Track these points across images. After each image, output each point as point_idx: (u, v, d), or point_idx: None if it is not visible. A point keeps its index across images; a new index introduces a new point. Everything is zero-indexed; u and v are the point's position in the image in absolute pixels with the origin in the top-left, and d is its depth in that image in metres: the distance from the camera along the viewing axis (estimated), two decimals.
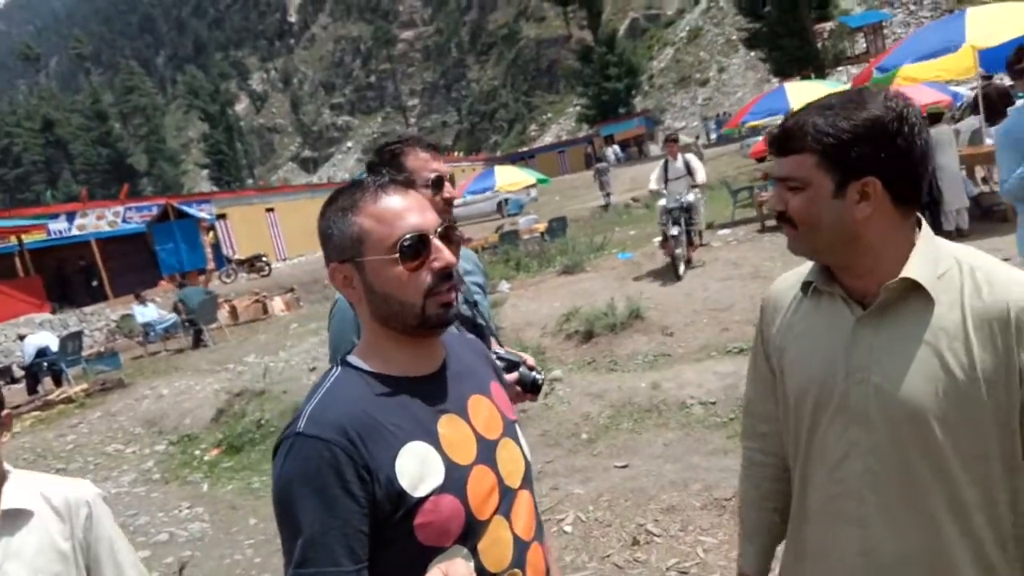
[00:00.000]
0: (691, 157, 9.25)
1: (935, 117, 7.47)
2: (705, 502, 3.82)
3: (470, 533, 1.07)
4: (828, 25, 35.70)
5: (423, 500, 1.03)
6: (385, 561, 1.03)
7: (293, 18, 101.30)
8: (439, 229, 1.11)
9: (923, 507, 1.14)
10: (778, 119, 11.88)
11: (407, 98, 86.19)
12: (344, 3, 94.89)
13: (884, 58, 8.19)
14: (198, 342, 13.01)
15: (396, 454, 1.03)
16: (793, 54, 34.45)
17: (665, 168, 9.20)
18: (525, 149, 60.27)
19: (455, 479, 1.07)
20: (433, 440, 1.08)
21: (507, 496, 1.14)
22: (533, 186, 21.09)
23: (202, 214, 24.28)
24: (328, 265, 1.14)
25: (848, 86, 9.37)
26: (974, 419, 1.09)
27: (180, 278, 19.27)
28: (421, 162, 1.90)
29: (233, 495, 5.46)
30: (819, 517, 1.26)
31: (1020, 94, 4.83)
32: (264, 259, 22.14)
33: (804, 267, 1.31)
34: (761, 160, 20.00)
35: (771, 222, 10.40)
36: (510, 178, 14.61)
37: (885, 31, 37.10)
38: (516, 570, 1.13)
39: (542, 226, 16.96)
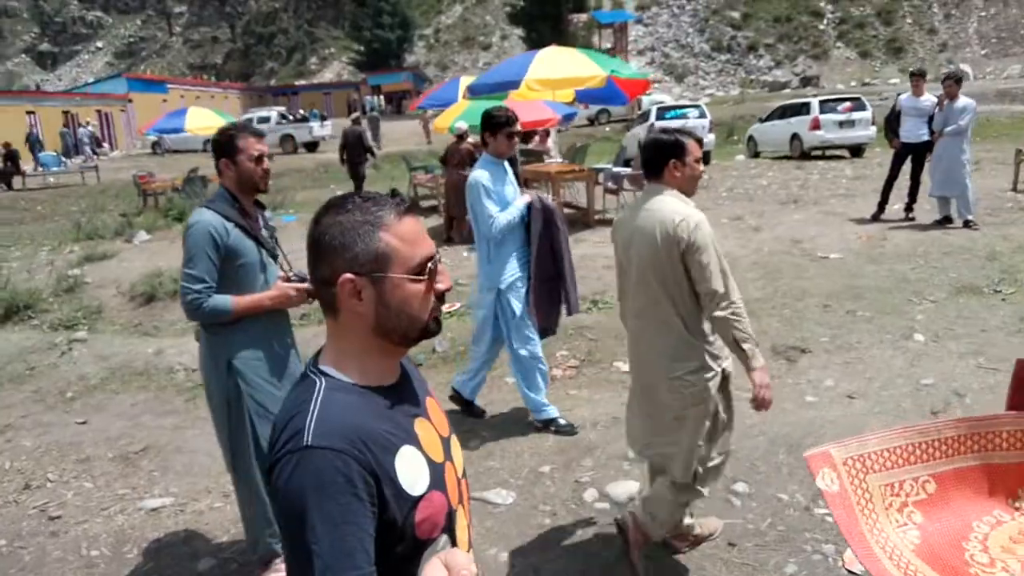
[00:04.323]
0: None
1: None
2: (117, 454, 4.62)
3: (450, 523, 1.20)
4: (582, 17, 38.40)
5: (420, 498, 1.14)
6: (391, 562, 1.11)
7: None
8: (438, 254, 1.22)
9: None
10: (447, 109, 13.05)
11: (173, 3, 78.18)
12: None
13: (471, 85, 9.43)
14: None
15: (395, 458, 1.12)
16: (547, 38, 36.64)
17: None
18: (301, 83, 57.97)
19: (437, 476, 1.19)
20: (416, 442, 1.18)
21: (459, 486, 1.29)
22: None
23: None
24: (331, 273, 1.14)
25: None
26: None
27: None
28: (249, 144, 2.80)
29: None
30: None
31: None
32: None
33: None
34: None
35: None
36: (203, 121, 14.35)
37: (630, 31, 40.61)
38: (470, 550, 1.30)
39: None
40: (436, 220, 11.31)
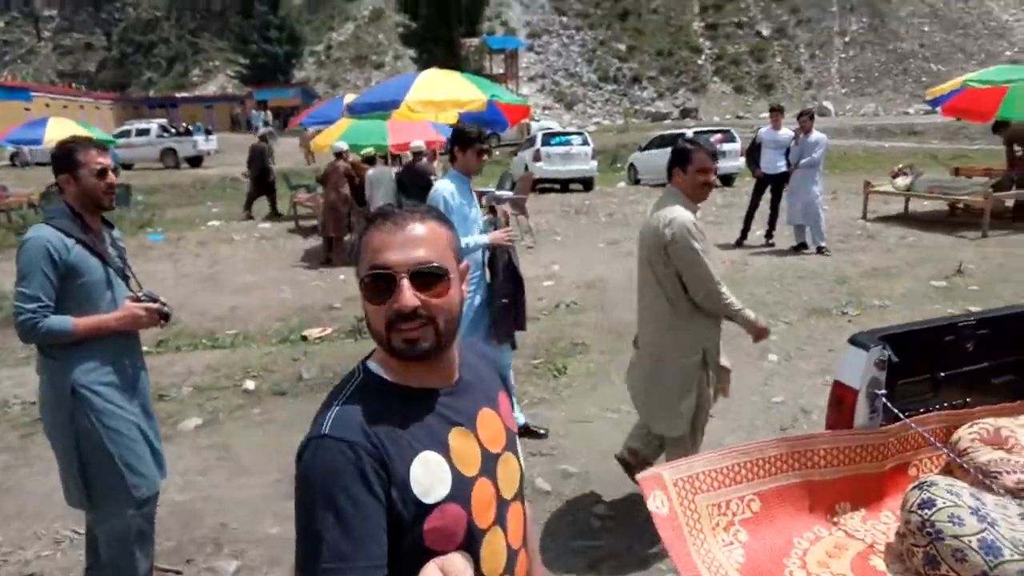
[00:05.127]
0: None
1: (370, 160, 8.82)
2: None
3: (472, 541, 1.16)
4: (474, 41, 38.86)
5: (432, 507, 1.11)
6: (399, 564, 1.08)
7: None
8: (414, 269, 1.12)
9: None
10: (329, 127, 12.79)
11: (42, 7, 73.18)
12: None
13: (351, 103, 9.32)
14: None
15: (411, 463, 1.10)
16: (439, 60, 36.86)
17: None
18: (181, 95, 55.41)
19: (461, 489, 1.15)
20: (444, 451, 1.15)
21: (502, 507, 1.23)
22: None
23: None
24: None
25: None
26: None
27: None
28: (91, 157, 2.64)
29: None
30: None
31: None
32: None
33: None
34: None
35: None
36: (65, 133, 13.33)
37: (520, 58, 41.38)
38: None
39: None
40: (316, 241, 11.03)
